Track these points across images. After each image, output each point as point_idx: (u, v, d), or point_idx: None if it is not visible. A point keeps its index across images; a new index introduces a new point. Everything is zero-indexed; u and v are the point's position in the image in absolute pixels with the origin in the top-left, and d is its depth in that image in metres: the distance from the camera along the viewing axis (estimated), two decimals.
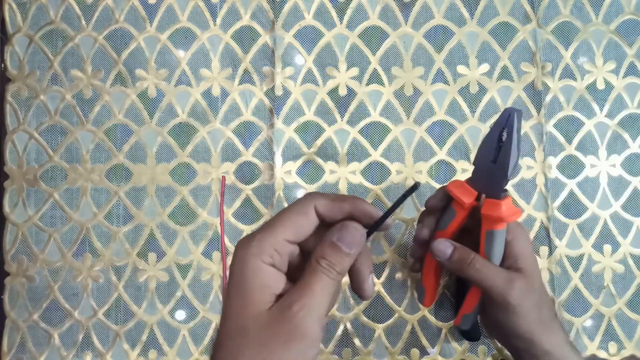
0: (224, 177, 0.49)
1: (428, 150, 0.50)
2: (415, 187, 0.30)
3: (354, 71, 0.50)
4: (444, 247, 0.39)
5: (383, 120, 0.50)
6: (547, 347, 0.38)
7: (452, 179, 0.49)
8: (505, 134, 0.35)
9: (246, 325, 0.26)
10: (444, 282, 0.48)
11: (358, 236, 0.29)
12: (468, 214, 0.39)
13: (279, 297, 0.27)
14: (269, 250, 0.27)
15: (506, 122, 0.35)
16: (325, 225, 0.30)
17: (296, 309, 0.26)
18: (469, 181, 0.38)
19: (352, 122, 0.50)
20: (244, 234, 0.49)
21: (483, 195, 0.37)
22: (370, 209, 0.30)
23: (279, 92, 0.50)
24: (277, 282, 0.28)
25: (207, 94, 0.50)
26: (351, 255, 0.28)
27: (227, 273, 0.28)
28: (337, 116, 0.50)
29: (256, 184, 0.49)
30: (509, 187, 0.50)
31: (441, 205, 0.40)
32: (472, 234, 0.39)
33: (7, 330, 0.47)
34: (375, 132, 0.50)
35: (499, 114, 0.36)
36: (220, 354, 0.26)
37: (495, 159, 0.36)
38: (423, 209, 0.42)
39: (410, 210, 0.49)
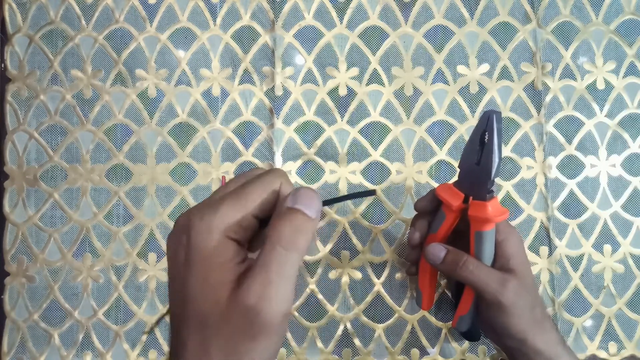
0: (224, 177, 0.49)
1: (428, 150, 0.50)
2: (372, 193, 0.28)
3: (354, 71, 0.50)
4: (437, 250, 0.39)
5: (383, 120, 0.50)
6: (540, 346, 0.38)
7: (451, 180, 0.49)
8: (486, 136, 0.35)
9: (206, 314, 0.23)
10: (444, 283, 0.48)
11: (317, 198, 0.25)
12: (458, 216, 0.39)
13: (241, 275, 0.24)
14: (234, 226, 0.23)
15: (486, 125, 0.35)
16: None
17: (259, 304, 0.22)
18: (456, 184, 0.38)
19: (352, 122, 0.50)
20: None
21: (471, 197, 0.37)
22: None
23: (279, 92, 0.50)
24: (239, 257, 0.24)
25: (207, 94, 0.50)
26: (315, 222, 0.24)
27: (179, 248, 0.24)
28: (337, 116, 0.50)
29: None
30: (508, 187, 0.50)
31: (431, 208, 0.41)
32: (465, 236, 0.39)
33: (7, 330, 0.47)
34: (375, 132, 0.50)
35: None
36: (188, 344, 0.23)
37: (478, 161, 0.36)
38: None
39: (410, 211, 0.49)
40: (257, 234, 0.26)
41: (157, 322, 0.32)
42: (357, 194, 0.28)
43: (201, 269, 0.23)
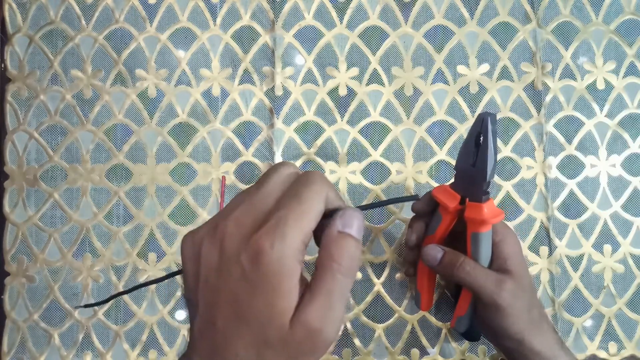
0: (224, 177, 0.49)
1: (428, 150, 0.50)
2: (414, 197, 0.29)
3: (354, 71, 0.50)
4: (434, 252, 0.39)
5: (383, 120, 0.50)
6: (538, 347, 0.38)
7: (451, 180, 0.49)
8: (481, 138, 0.35)
9: (269, 338, 0.23)
10: (444, 283, 0.48)
11: (362, 219, 0.26)
12: (455, 218, 0.39)
13: (301, 297, 0.24)
14: (302, 248, 0.24)
15: (481, 126, 0.35)
16: None
17: (322, 326, 0.23)
18: (453, 185, 0.38)
19: (352, 122, 0.50)
20: None
21: (467, 199, 0.37)
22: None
23: (279, 92, 0.50)
24: (303, 280, 0.24)
25: (207, 94, 0.50)
26: (361, 242, 0.25)
27: (247, 268, 0.23)
28: (337, 116, 0.50)
29: None
30: (508, 187, 0.50)
31: (428, 209, 0.41)
32: (462, 237, 0.39)
33: (7, 330, 0.47)
34: (375, 132, 0.50)
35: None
36: (242, 357, 0.23)
37: (474, 163, 0.36)
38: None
39: (410, 211, 0.49)
40: None
41: (163, 279, 0.33)
42: (398, 199, 0.29)
43: (269, 295, 0.23)
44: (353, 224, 0.25)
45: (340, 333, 0.25)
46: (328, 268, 0.24)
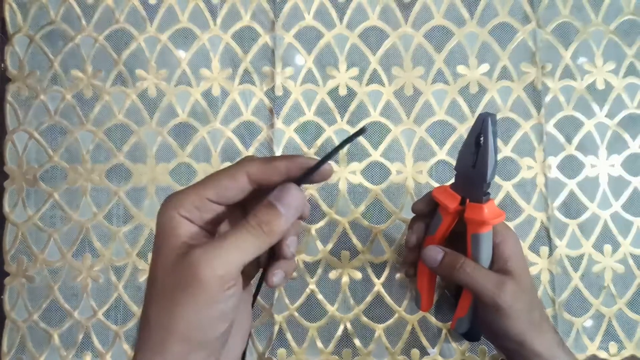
0: None
1: (428, 150, 0.50)
2: (362, 130, 0.28)
3: (354, 71, 0.50)
4: (434, 253, 0.39)
5: (383, 120, 0.50)
6: (538, 348, 0.38)
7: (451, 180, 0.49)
8: (481, 139, 0.35)
9: (155, 275, 0.26)
10: (443, 284, 0.48)
11: (297, 197, 0.28)
12: (456, 219, 0.39)
13: (192, 246, 0.26)
14: (187, 206, 0.27)
15: (481, 127, 0.35)
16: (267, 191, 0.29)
17: (197, 256, 0.25)
18: (453, 186, 0.38)
19: (352, 122, 0.50)
20: None
21: (467, 200, 0.37)
22: (308, 162, 0.29)
23: (279, 92, 0.50)
24: (190, 232, 0.27)
25: (207, 94, 0.50)
26: (285, 217, 0.27)
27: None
28: (337, 116, 0.50)
29: None
30: (509, 187, 0.50)
31: (428, 210, 0.41)
32: (463, 237, 0.39)
33: (7, 330, 0.47)
34: (375, 132, 0.50)
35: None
36: (146, 306, 0.27)
37: (474, 164, 0.36)
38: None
39: (410, 211, 0.49)
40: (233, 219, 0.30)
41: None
42: (349, 139, 0.29)
43: (156, 241, 0.27)
44: (283, 198, 0.27)
45: (224, 282, 0.25)
46: (243, 222, 0.27)
